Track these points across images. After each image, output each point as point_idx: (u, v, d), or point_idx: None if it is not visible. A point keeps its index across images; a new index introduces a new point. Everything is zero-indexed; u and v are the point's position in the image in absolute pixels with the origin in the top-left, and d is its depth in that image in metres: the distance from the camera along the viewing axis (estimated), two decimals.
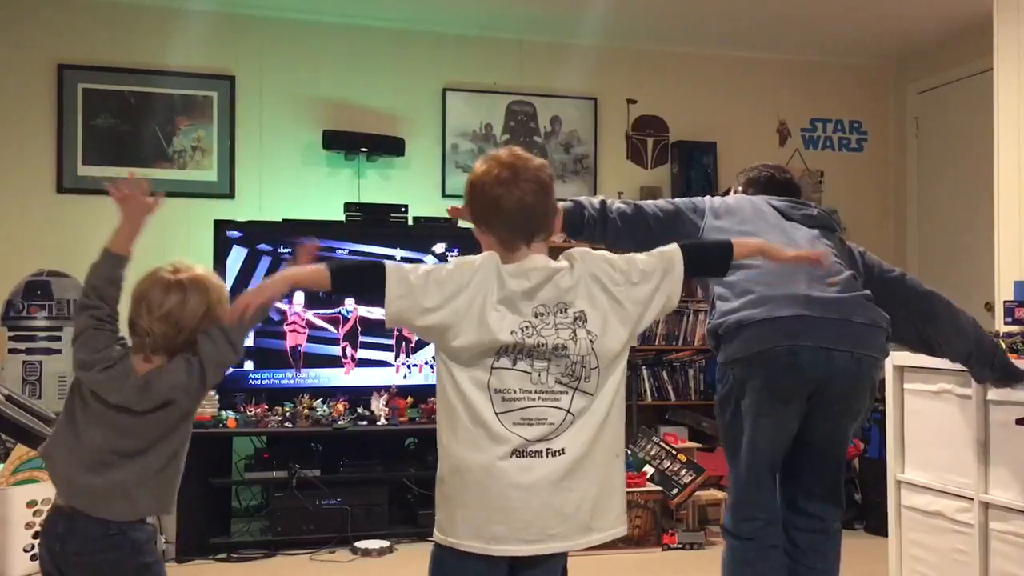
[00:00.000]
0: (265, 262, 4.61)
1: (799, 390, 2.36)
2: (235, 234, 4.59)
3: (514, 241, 1.81)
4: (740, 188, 2.84)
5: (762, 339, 2.30)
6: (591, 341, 1.79)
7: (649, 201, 2.64)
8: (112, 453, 1.92)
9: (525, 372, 1.76)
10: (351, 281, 1.86)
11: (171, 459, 1.97)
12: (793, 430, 2.42)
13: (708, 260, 2.04)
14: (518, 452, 1.74)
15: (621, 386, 1.85)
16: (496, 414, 1.75)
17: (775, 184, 2.76)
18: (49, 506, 2.09)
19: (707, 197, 2.67)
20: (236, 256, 4.57)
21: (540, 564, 1.80)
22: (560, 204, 2.01)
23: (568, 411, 1.78)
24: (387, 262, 1.78)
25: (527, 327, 1.76)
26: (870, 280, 2.61)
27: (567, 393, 1.78)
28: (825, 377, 2.33)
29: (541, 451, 1.76)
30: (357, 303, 4.63)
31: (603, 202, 2.53)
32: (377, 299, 1.76)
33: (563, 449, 1.77)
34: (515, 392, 1.76)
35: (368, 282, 1.79)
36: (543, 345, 1.76)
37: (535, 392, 1.76)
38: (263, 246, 4.61)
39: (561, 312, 1.79)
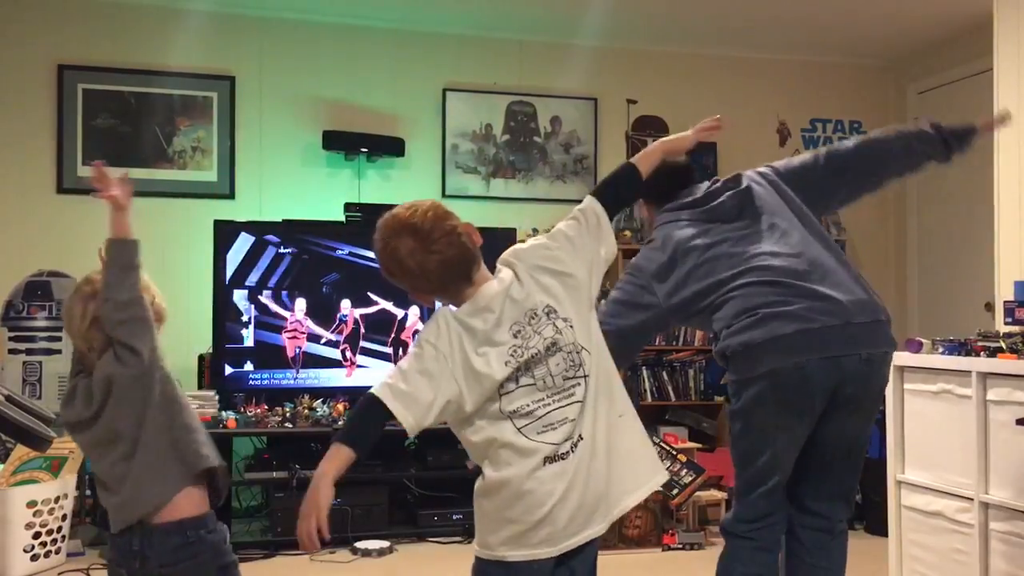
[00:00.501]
0: (270, 252, 4.60)
1: (812, 403, 2.35)
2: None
3: (457, 290, 1.83)
4: (641, 199, 2.74)
5: (769, 360, 2.29)
6: (570, 326, 1.83)
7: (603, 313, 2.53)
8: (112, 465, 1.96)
9: (530, 384, 1.79)
10: (366, 432, 1.80)
11: (157, 432, 1.95)
12: (803, 440, 2.42)
13: (621, 191, 2.06)
14: (549, 459, 1.77)
15: (606, 350, 1.89)
16: (518, 430, 1.78)
17: (668, 181, 2.59)
18: (54, 509, 2.09)
19: (640, 263, 2.55)
20: (237, 249, 4.57)
21: (584, 546, 1.84)
22: None
23: (583, 401, 1.81)
24: (376, 391, 1.76)
25: (515, 350, 1.78)
26: (807, 183, 2.56)
27: (579, 384, 1.82)
28: (837, 384, 2.33)
29: (567, 451, 1.79)
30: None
31: None
32: (396, 423, 1.77)
33: (581, 435, 1.80)
34: (529, 405, 1.78)
35: (375, 421, 1.77)
36: (537, 354, 1.79)
37: (547, 396, 1.79)
38: (271, 237, 4.61)
39: (533, 318, 1.81)
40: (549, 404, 1.79)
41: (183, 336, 4.42)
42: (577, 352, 1.82)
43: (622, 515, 1.89)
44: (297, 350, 4.61)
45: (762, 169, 2.63)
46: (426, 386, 1.75)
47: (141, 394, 1.94)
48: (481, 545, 1.84)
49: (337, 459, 1.74)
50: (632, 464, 1.88)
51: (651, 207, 2.69)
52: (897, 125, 2.68)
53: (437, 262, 1.79)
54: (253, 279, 4.57)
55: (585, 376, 1.82)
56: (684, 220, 2.54)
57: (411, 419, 1.75)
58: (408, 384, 1.75)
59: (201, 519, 1.97)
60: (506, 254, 1.89)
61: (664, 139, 2.14)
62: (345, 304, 4.64)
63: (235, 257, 4.56)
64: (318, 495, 1.72)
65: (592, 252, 1.91)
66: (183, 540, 1.93)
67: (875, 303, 2.40)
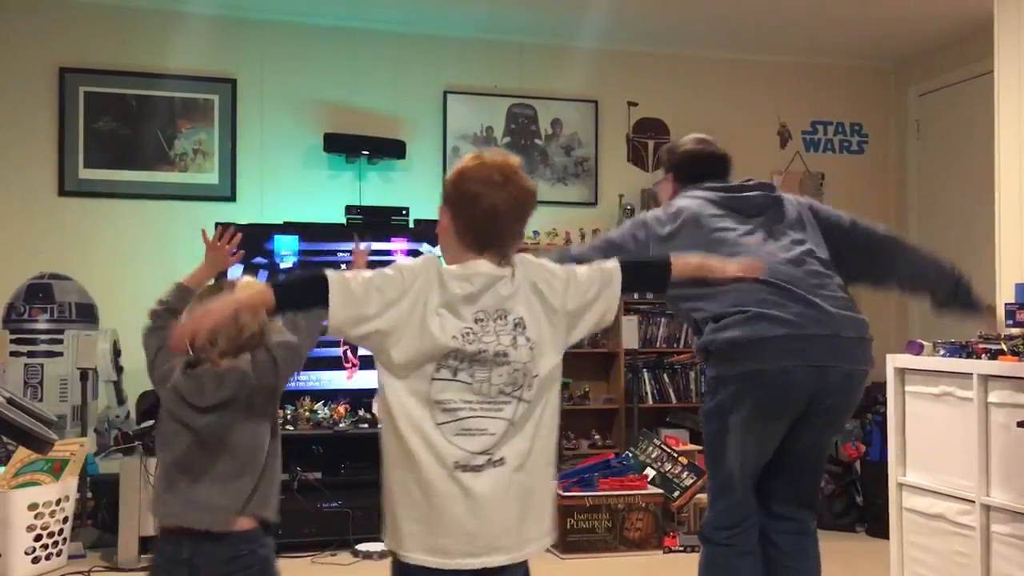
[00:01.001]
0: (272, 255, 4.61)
1: (790, 409, 2.37)
2: None
3: (470, 242, 1.78)
4: (669, 174, 2.75)
5: (755, 360, 2.30)
6: (531, 348, 1.76)
7: (587, 246, 2.60)
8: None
9: (466, 383, 1.72)
10: (294, 297, 1.81)
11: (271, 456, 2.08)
12: (777, 443, 2.43)
13: (647, 277, 2.04)
14: (461, 466, 1.71)
15: (557, 395, 1.83)
16: (437, 425, 1.71)
17: (705, 165, 2.66)
18: (55, 512, 2.10)
19: (648, 220, 2.56)
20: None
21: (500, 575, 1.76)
22: None
23: (510, 421, 1.74)
24: (329, 272, 1.73)
25: (468, 333, 1.72)
26: (829, 235, 2.57)
27: (510, 403, 1.75)
28: (817, 394, 2.34)
29: (483, 464, 1.72)
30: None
31: None
32: (321, 312, 1.72)
33: (503, 459, 1.74)
34: (456, 403, 1.72)
35: (311, 296, 1.74)
36: (484, 352, 1.72)
37: (476, 403, 1.72)
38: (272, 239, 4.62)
39: (501, 318, 1.75)
40: (475, 410, 1.72)
41: None
42: (524, 375, 1.75)
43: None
44: None
45: (801, 198, 2.67)
46: (374, 301, 1.70)
47: (270, 409, 2.04)
48: (386, 541, 1.78)
49: (255, 289, 1.76)
50: (548, 512, 1.83)
51: (679, 187, 2.68)
52: (930, 252, 2.68)
53: (489, 206, 1.75)
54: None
55: (522, 400, 1.75)
56: (706, 199, 2.54)
57: (337, 319, 1.70)
58: (359, 289, 1.71)
59: (254, 533, 1.97)
60: (516, 255, 1.84)
61: (708, 259, 2.08)
62: None
63: None
64: (217, 307, 1.74)
65: (589, 304, 1.84)
66: (235, 552, 1.92)
67: (863, 321, 2.42)
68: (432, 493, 1.71)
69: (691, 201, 2.54)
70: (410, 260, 1.77)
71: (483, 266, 1.77)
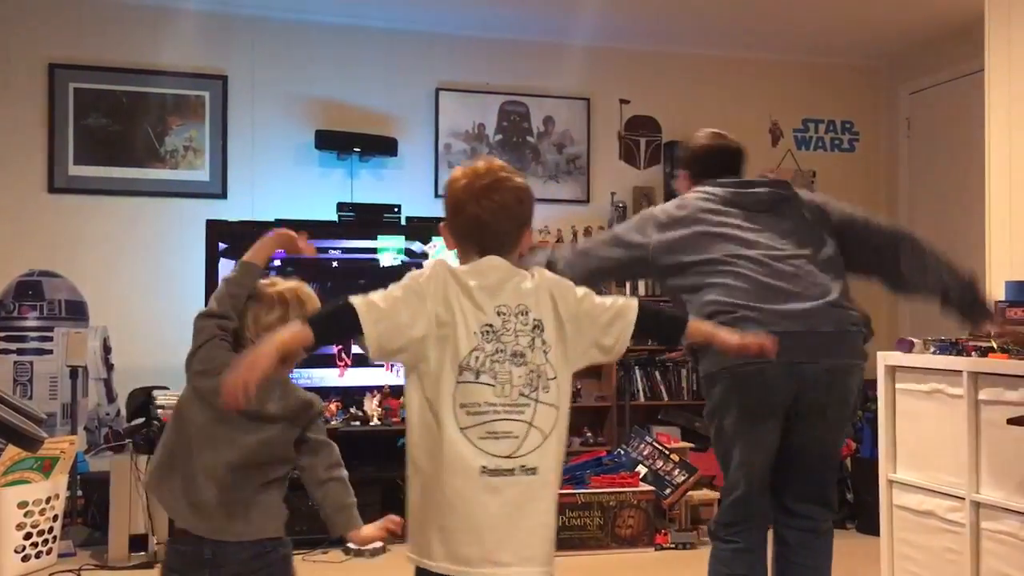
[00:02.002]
0: None
1: (772, 408, 2.38)
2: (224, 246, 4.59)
3: (469, 251, 1.80)
4: (684, 170, 2.78)
5: (729, 358, 2.27)
6: (545, 352, 1.75)
7: (593, 240, 2.65)
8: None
9: (489, 384, 1.71)
10: (329, 328, 1.77)
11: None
12: (775, 441, 2.44)
13: (661, 326, 2.02)
14: (488, 471, 1.69)
15: (568, 411, 1.80)
16: (461, 430, 1.69)
17: (716, 159, 2.70)
18: (45, 510, 2.08)
19: (656, 212, 2.60)
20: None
21: None
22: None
23: (531, 424, 1.73)
24: (351, 297, 1.71)
25: (488, 330, 1.71)
26: (840, 233, 2.58)
27: (529, 405, 1.73)
28: (796, 391, 2.35)
29: (513, 469, 1.71)
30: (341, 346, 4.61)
31: (548, 261, 2.51)
32: (355, 335, 1.70)
33: (535, 468, 1.72)
34: (481, 405, 1.70)
35: (343, 323, 1.72)
36: (501, 351, 1.72)
37: (500, 405, 1.71)
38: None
39: (522, 315, 1.74)
40: (499, 412, 1.71)
41: (175, 336, 4.39)
42: (539, 376, 1.74)
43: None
44: None
45: (816, 196, 2.69)
46: (403, 310, 1.69)
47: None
48: (411, 550, 1.74)
49: (290, 332, 1.69)
50: (546, 536, 1.77)
51: (693, 182, 2.71)
52: (944, 254, 2.66)
53: (473, 214, 1.76)
54: None
55: (539, 402, 1.73)
56: (712, 194, 2.57)
57: (375, 335, 1.68)
58: (385, 304, 1.69)
59: (277, 534, 1.98)
60: (533, 268, 1.83)
61: (721, 329, 2.01)
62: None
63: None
64: (261, 355, 1.65)
65: (600, 332, 1.82)
66: (259, 551, 1.93)
67: (848, 314, 2.41)
68: (460, 503, 1.69)
69: (697, 195, 2.58)
70: (417, 270, 1.77)
71: (496, 260, 1.78)
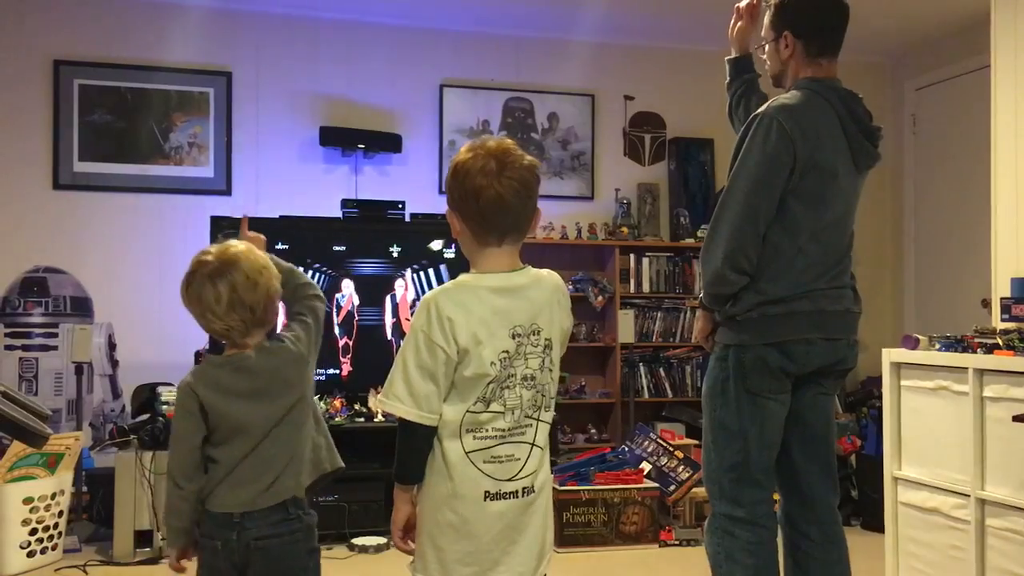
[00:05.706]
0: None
1: (798, 376, 2.38)
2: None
3: (486, 236, 1.71)
4: (785, 30, 2.67)
5: (782, 331, 2.32)
6: (550, 371, 1.75)
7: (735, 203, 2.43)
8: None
9: (498, 412, 1.69)
10: (411, 459, 1.75)
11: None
12: (785, 413, 2.40)
13: None
14: (491, 495, 1.69)
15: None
16: (467, 454, 1.69)
17: (831, 17, 2.76)
18: (50, 506, 2.08)
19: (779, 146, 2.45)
20: None
21: None
22: None
23: (533, 443, 1.73)
24: (403, 414, 1.70)
25: (504, 357, 1.68)
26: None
27: (531, 425, 1.73)
28: (829, 363, 2.40)
29: (516, 491, 1.72)
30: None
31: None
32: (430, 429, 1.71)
33: (534, 487, 1.74)
34: (487, 430, 1.69)
35: (414, 439, 1.71)
36: (513, 376, 1.69)
37: (507, 430, 1.70)
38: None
39: (534, 335, 1.72)
40: (504, 436, 1.70)
41: (179, 332, 4.40)
42: (543, 395, 1.73)
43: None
44: None
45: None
46: (433, 374, 1.67)
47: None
48: (414, 569, 1.76)
49: (401, 502, 1.77)
50: (540, 551, 1.79)
51: (801, 54, 2.72)
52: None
53: (494, 195, 1.67)
54: None
55: (540, 420, 1.73)
56: (836, 132, 2.61)
57: (433, 413, 1.69)
58: (417, 383, 1.67)
59: (301, 499, 2.00)
60: (543, 271, 1.80)
61: None
62: (346, 284, 4.63)
63: None
64: (401, 515, 1.77)
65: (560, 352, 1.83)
66: (284, 515, 1.95)
67: (858, 296, 2.49)
68: (462, 524, 1.70)
69: (821, 121, 2.60)
70: (416, 319, 1.70)
71: (520, 278, 1.73)
